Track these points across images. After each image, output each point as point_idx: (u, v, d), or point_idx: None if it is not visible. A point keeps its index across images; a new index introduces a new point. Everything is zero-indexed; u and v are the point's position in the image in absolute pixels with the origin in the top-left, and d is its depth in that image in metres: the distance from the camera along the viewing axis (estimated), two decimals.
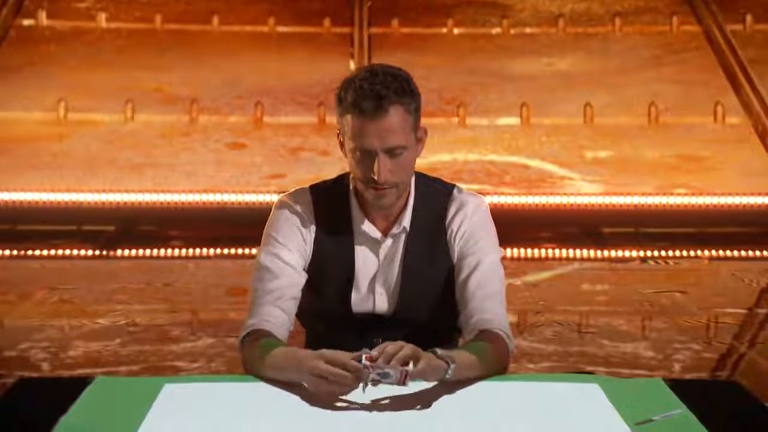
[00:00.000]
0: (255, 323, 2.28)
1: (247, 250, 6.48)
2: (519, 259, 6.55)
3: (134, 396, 2.04)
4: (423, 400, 2.00)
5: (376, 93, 2.19)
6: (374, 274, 2.38)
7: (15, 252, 6.65)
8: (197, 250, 6.66)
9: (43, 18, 8.93)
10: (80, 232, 6.90)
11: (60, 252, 6.58)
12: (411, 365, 1.96)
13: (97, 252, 6.63)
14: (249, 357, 2.21)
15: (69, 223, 6.93)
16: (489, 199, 7.01)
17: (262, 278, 2.34)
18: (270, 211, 2.42)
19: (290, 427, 1.91)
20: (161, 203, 7.01)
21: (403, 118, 2.23)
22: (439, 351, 2.04)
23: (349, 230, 2.37)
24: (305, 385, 2.03)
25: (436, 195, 2.40)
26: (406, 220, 2.37)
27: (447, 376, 2.04)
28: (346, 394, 1.99)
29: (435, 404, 2.00)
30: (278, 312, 2.30)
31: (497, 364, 2.21)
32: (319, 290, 2.37)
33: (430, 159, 7.24)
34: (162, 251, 6.67)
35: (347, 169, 2.36)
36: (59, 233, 6.84)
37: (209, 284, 5.90)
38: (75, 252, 6.58)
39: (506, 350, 2.28)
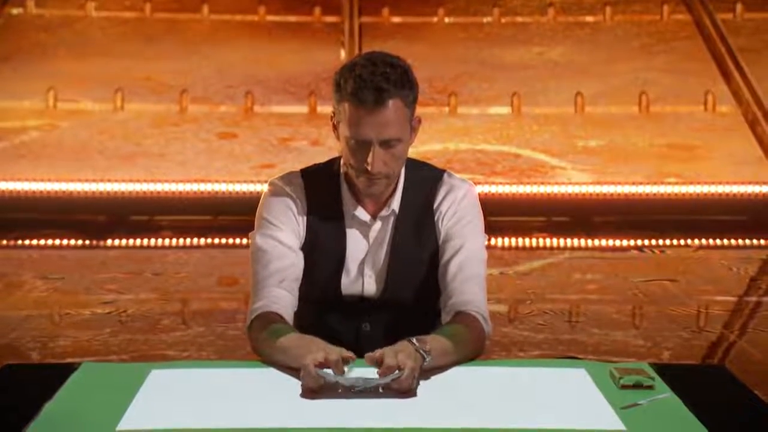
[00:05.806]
0: (263, 306, 2.25)
1: (237, 240, 6.48)
2: (510, 248, 6.55)
3: (121, 381, 2.04)
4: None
5: (377, 85, 2.17)
6: (363, 257, 2.37)
7: (5, 241, 6.63)
8: (187, 240, 6.65)
9: (32, 7, 8.90)
10: (70, 222, 6.88)
11: (50, 241, 6.57)
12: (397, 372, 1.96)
13: (88, 241, 6.62)
14: (259, 340, 2.19)
15: (59, 213, 6.90)
16: (480, 189, 7.02)
17: (261, 260, 2.30)
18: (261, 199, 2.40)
19: (274, 412, 1.90)
20: (151, 193, 6.99)
21: (401, 111, 2.22)
22: (415, 342, 2.02)
23: (339, 214, 2.36)
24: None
25: (425, 179, 2.40)
26: (396, 203, 2.36)
27: (424, 364, 2.03)
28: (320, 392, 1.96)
29: (421, 390, 1.99)
30: (284, 293, 2.28)
31: (473, 346, 2.21)
32: (310, 274, 2.35)
33: (421, 148, 7.22)
34: (152, 241, 6.66)
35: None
36: (49, 223, 6.82)
37: (200, 274, 5.89)
38: (65, 241, 6.57)
39: (482, 332, 2.27)
